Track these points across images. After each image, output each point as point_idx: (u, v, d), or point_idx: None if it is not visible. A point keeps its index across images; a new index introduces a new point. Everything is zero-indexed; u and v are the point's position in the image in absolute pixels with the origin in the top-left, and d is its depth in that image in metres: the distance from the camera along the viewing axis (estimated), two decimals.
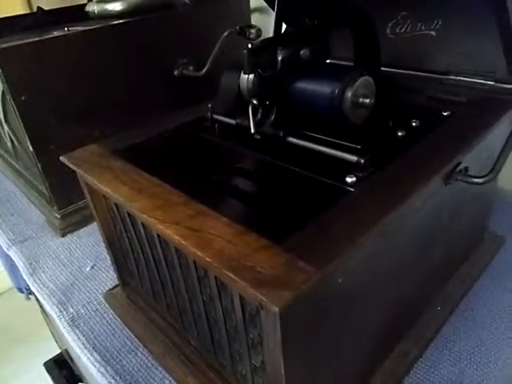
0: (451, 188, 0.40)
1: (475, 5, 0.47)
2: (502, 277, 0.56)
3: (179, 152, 0.45)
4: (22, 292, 1.20)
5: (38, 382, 1.43)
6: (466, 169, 0.39)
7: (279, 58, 0.42)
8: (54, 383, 1.14)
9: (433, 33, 0.54)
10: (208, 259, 0.28)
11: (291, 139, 0.42)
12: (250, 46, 0.41)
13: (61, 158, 0.45)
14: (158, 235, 0.39)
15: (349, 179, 0.35)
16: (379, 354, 0.43)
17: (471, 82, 0.51)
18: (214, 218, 0.32)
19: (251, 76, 0.42)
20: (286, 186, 0.37)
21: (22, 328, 1.60)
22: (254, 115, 0.41)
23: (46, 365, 1.18)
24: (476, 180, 0.39)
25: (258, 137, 0.43)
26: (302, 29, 0.44)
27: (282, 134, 0.42)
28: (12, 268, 1.12)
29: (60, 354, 1.19)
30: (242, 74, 0.43)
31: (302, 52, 0.42)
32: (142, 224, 0.41)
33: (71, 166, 0.43)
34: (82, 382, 1.10)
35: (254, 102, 0.41)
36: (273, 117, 0.43)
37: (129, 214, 0.43)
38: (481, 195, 0.53)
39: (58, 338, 1.14)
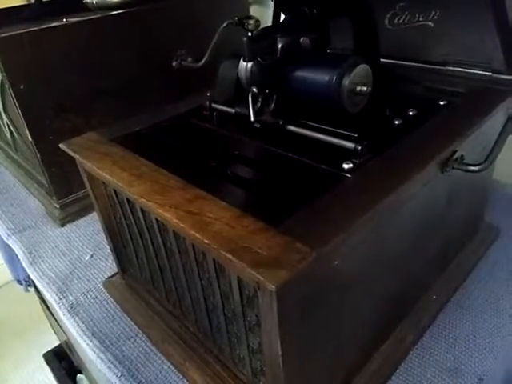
0: (448, 176, 0.41)
1: None
2: (497, 267, 0.56)
3: (177, 140, 0.46)
4: (21, 284, 1.21)
5: (37, 374, 1.44)
6: (462, 157, 0.40)
7: (279, 46, 0.42)
8: (54, 374, 1.15)
9: (431, 23, 0.54)
10: (206, 241, 0.29)
11: (290, 127, 0.42)
12: (249, 34, 0.41)
13: (60, 145, 0.45)
14: (157, 221, 0.39)
15: (346, 165, 0.36)
16: (376, 339, 0.44)
17: (468, 72, 0.51)
18: (211, 202, 0.32)
19: (250, 64, 0.42)
20: (283, 173, 0.38)
21: (20, 321, 1.60)
22: (254, 103, 0.42)
23: (46, 356, 1.18)
24: (471, 168, 0.40)
25: (258, 125, 0.43)
26: (301, 17, 0.45)
27: (281, 123, 0.42)
28: (11, 260, 1.12)
29: (59, 346, 1.20)
30: (240, 62, 0.43)
31: (301, 40, 0.43)
32: (141, 210, 0.41)
33: (70, 152, 0.43)
34: (81, 373, 1.10)
35: (254, 90, 0.41)
36: (272, 105, 0.43)
37: (128, 201, 0.43)
38: (477, 185, 0.53)
39: (57, 329, 1.15)
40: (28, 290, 1.24)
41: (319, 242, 0.27)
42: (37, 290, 1.12)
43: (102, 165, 0.40)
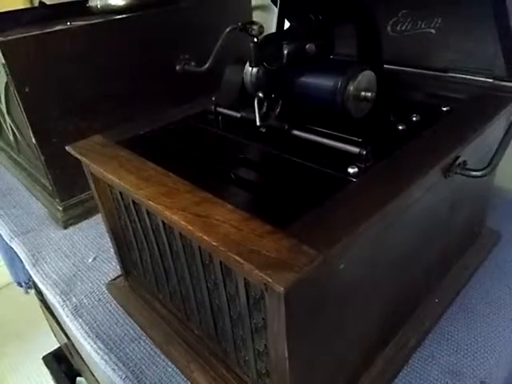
0: (451, 181, 0.41)
1: (474, 3, 0.48)
2: (498, 271, 0.57)
3: (183, 143, 0.46)
4: (21, 286, 1.21)
5: (36, 376, 1.43)
6: (465, 162, 0.40)
7: (285, 52, 0.43)
8: (53, 377, 1.14)
9: (433, 31, 0.55)
10: (214, 243, 0.29)
11: (296, 132, 0.43)
12: (255, 39, 0.41)
13: (66, 147, 0.45)
14: (163, 223, 0.40)
15: (351, 170, 0.36)
16: (379, 342, 0.44)
17: (470, 79, 0.52)
18: (219, 205, 0.33)
19: (255, 69, 0.43)
20: (290, 177, 0.38)
21: (20, 323, 1.60)
22: (260, 108, 0.42)
23: (45, 359, 1.18)
24: (474, 173, 0.40)
25: (264, 129, 0.44)
26: (307, 24, 0.45)
27: (286, 127, 0.43)
28: (12, 262, 1.12)
29: (59, 349, 1.20)
30: (246, 67, 0.44)
31: (307, 46, 0.43)
32: (147, 212, 0.42)
33: (77, 155, 0.44)
34: (80, 376, 1.10)
35: (260, 94, 0.42)
36: (278, 110, 0.43)
37: (134, 203, 0.43)
38: (479, 191, 0.54)
39: (57, 332, 1.15)
40: (28, 292, 1.24)
41: (326, 245, 0.28)
42: (38, 292, 1.12)
43: (108, 167, 0.40)
